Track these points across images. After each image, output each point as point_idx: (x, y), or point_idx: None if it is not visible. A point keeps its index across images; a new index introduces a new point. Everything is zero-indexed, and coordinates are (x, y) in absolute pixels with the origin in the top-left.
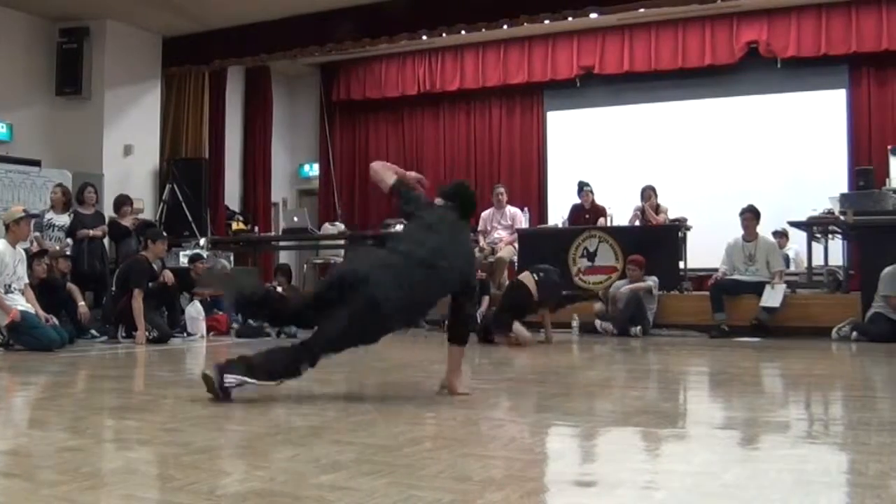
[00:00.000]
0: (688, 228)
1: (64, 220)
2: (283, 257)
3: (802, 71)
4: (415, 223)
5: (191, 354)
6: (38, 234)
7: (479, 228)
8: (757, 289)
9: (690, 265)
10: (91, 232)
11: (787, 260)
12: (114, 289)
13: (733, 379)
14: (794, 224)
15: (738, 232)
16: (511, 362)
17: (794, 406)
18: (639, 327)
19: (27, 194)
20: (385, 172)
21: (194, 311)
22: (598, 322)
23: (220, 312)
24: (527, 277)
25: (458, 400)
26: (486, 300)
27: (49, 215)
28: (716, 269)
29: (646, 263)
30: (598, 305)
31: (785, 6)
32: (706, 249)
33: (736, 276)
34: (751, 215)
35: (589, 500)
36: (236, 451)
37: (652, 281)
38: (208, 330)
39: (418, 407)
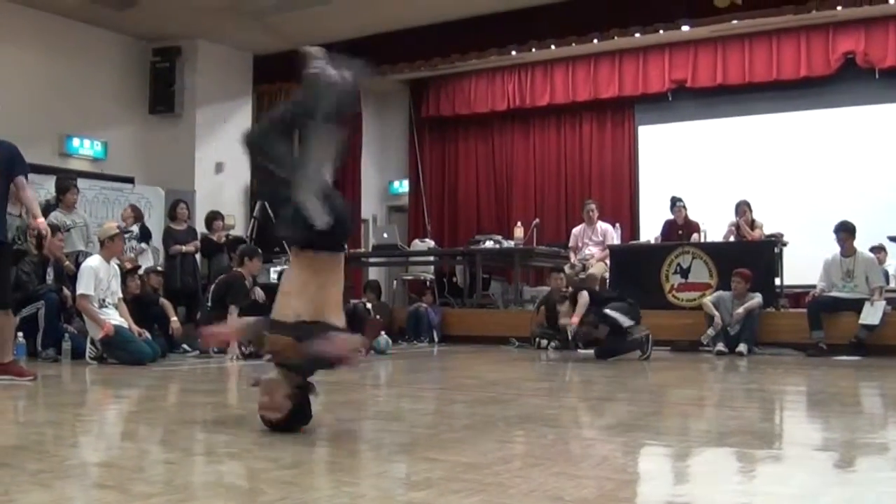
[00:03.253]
0: (784, 244)
1: (133, 229)
2: (373, 273)
3: None
4: None
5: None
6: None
7: (570, 245)
8: (856, 306)
9: (787, 282)
10: (183, 248)
11: (886, 276)
12: (209, 304)
13: (831, 399)
14: (893, 239)
15: (836, 247)
16: (603, 380)
17: (894, 428)
18: (744, 345)
19: (121, 210)
20: None
21: None
22: (704, 338)
23: None
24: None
25: (548, 418)
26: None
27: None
28: (813, 286)
29: (752, 278)
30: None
31: (882, 15)
32: (803, 265)
33: (834, 293)
34: (845, 233)
35: None
36: (326, 466)
37: (758, 298)
38: None
39: (508, 425)
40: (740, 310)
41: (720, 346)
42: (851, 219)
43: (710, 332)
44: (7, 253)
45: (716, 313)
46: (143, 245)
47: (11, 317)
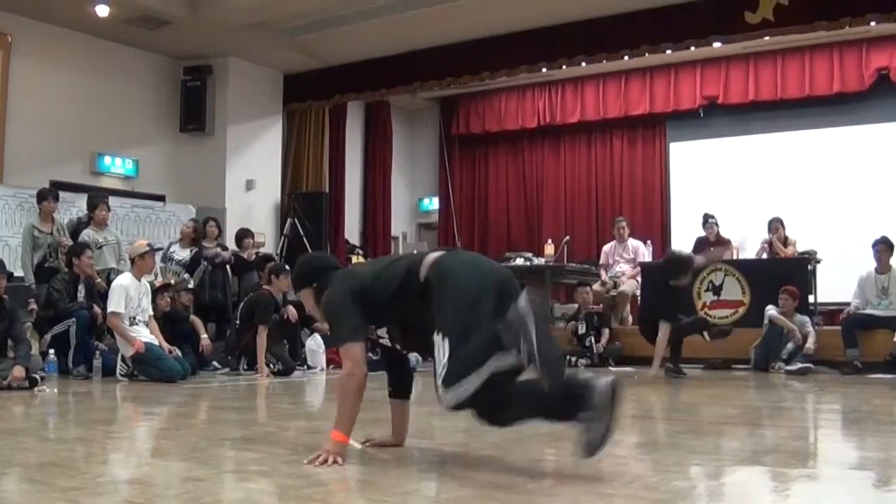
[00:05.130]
0: (818, 261)
1: (185, 255)
2: None
3: None
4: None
5: (311, 387)
6: (161, 264)
7: (601, 262)
8: (891, 323)
9: (821, 299)
10: (218, 249)
11: None
12: (237, 322)
13: (866, 417)
14: None
15: (871, 264)
16: (634, 397)
17: None
18: (779, 363)
19: (152, 228)
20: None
21: (314, 344)
22: (785, 353)
23: None
24: None
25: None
26: (606, 333)
27: (173, 248)
28: (847, 304)
29: (799, 295)
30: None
31: None
32: (837, 283)
33: (869, 311)
34: (884, 247)
35: None
36: (356, 484)
37: (808, 325)
38: (328, 363)
39: (539, 443)
40: (809, 328)
41: (800, 365)
42: (887, 235)
43: (790, 346)
44: None
45: (793, 326)
46: (187, 275)
47: None
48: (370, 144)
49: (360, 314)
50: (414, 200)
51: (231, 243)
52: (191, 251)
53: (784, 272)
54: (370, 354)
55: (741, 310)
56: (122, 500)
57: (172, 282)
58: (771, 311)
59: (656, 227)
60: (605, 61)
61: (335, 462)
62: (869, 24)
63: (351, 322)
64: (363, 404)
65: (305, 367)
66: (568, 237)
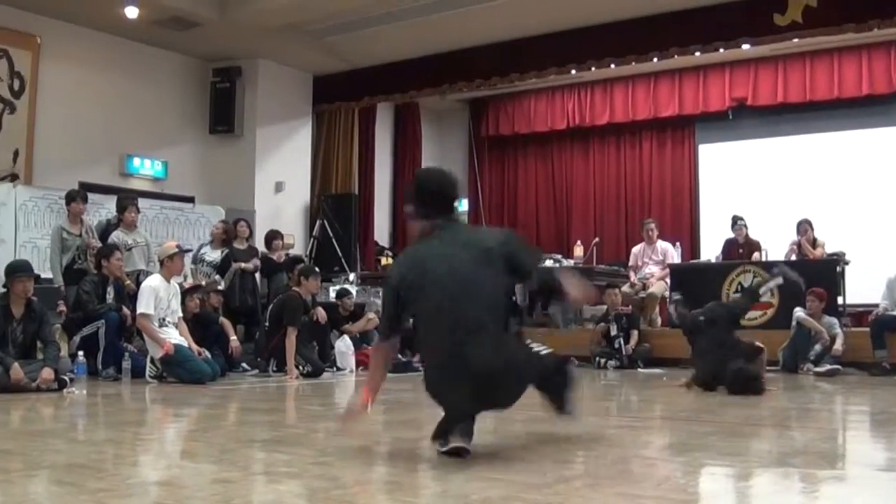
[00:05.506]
0: (846, 263)
1: (216, 256)
2: None
3: None
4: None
5: (340, 389)
6: (192, 266)
7: (630, 264)
8: None
9: (849, 300)
10: (243, 265)
11: None
12: (266, 324)
13: (895, 418)
14: None
15: None
16: (662, 399)
17: None
18: (807, 365)
19: (181, 230)
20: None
21: (344, 345)
22: (812, 354)
23: (369, 347)
24: None
25: (609, 439)
26: (635, 335)
27: (204, 250)
28: (876, 305)
29: (826, 297)
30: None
31: None
32: (866, 284)
33: None
34: None
35: None
36: (385, 486)
37: (836, 327)
38: (357, 364)
39: (569, 444)
40: (838, 330)
41: (828, 366)
42: None
43: (818, 347)
44: None
45: (820, 328)
46: (217, 277)
47: None
48: (399, 146)
49: None
50: None
51: (260, 245)
52: (222, 252)
53: (813, 274)
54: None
55: (770, 311)
56: (151, 502)
57: (203, 283)
58: (799, 312)
59: (685, 228)
60: (634, 63)
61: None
62: None
63: None
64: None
65: (335, 368)
66: (597, 239)
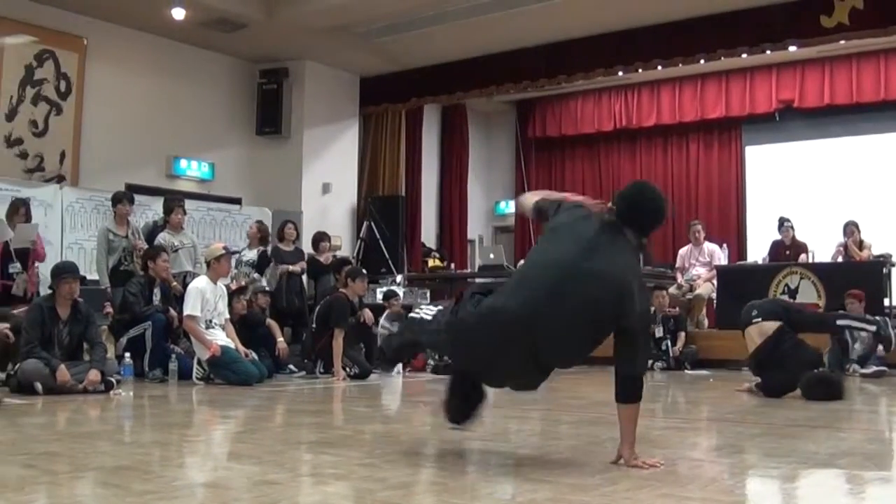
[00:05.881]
0: (893, 264)
1: (252, 255)
2: None
3: None
4: (548, 236)
5: (388, 390)
6: (235, 270)
7: (677, 265)
8: None
9: None
10: (291, 267)
11: None
12: (313, 325)
13: None
14: None
15: None
16: (709, 401)
17: None
18: (853, 366)
19: (228, 231)
20: (529, 198)
21: None
22: (853, 353)
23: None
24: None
25: (656, 440)
26: (682, 337)
27: (242, 251)
28: None
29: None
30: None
31: None
32: None
33: None
34: None
35: None
36: (431, 487)
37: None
38: (405, 366)
39: (615, 445)
40: (865, 335)
41: (874, 368)
42: None
43: (858, 347)
44: None
45: (865, 325)
46: (257, 275)
47: None
48: (446, 147)
49: None
50: (490, 204)
51: (307, 247)
52: (257, 251)
53: (859, 275)
54: None
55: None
56: None
57: (244, 283)
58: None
59: (732, 230)
60: (681, 65)
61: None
62: None
63: None
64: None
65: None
66: (644, 240)
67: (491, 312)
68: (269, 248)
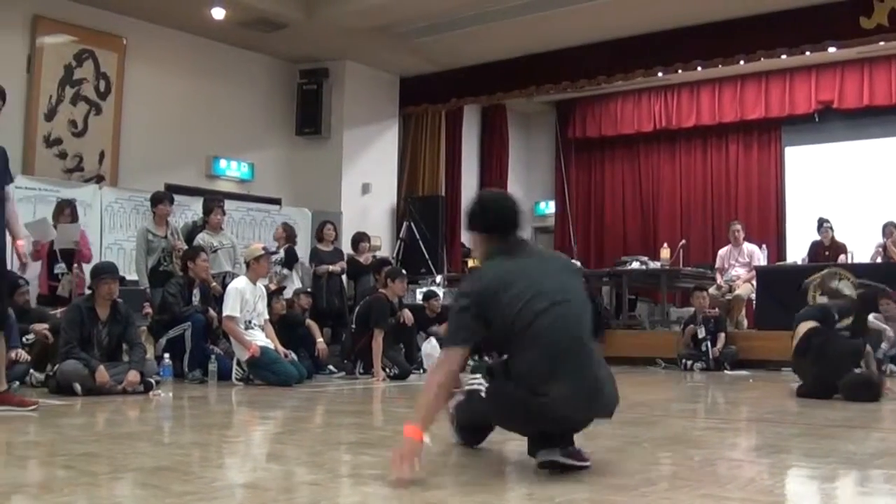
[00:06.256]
0: None
1: (279, 254)
2: None
3: None
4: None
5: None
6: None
7: (717, 266)
8: None
9: None
10: (330, 267)
11: None
12: (353, 326)
13: None
14: None
15: None
16: (749, 402)
17: None
18: (890, 366)
19: (267, 232)
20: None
21: (430, 347)
22: (880, 352)
23: None
24: None
25: (696, 440)
26: (721, 337)
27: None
28: None
29: None
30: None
31: None
32: None
33: None
34: None
35: None
36: (472, 488)
37: None
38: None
39: (654, 446)
40: (891, 333)
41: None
42: None
43: (885, 346)
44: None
45: (885, 327)
46: (286, 271)
47: (3, 343)
48: (486, 147)
49: None
50: (530, 204)
51: (347, 247)
52: (284, 248)
53: None
54: None
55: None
56: None
57: (275, 281)
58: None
59: (771, 230)
60: (720, 66)
61: (408, 465)
62: None
63: None
64: None
65: (421, 371)
66: (684, 241)
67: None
68: (302, 247)
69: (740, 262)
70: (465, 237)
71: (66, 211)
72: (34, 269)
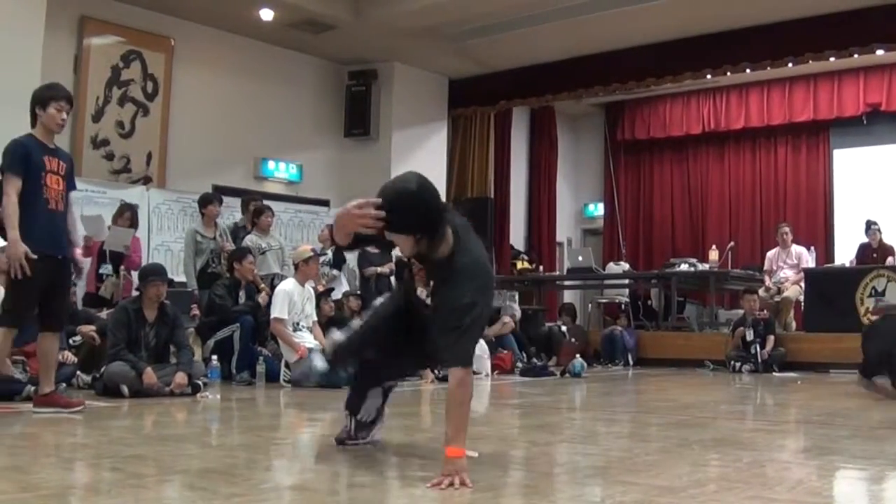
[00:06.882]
0: None
1: (328, 253)
2: (568, 296)
3: None
4: None
5: (475, 393)
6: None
7: (765, 268)
8: None
9: None
10: (379, 269)
11: None
12: None
13: None
14: None
15: None
16: (797, 403)
17: None
18: None
19: (315, 234)
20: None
21: (479, 349)
22: None
23: (505, 351)
24: None
25: (745, 442)
26: (771, 339)
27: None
28: None
29: None
30: None
31: None
32: None
33: None
34: None
35: None
36: (519, 489)
37: None
38: (493, 368)
39: (703, 448)
40: None
41: None
42: None
43: None
44: (67, 270)
45: None
46: (335, 272)
47: (58, 342)
48: (535, 150)
49: None
50: (579, 206)
51: (396, 249)
52: (330, 250)
53: None
54: None
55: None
56: None
57: (324, 282)
58: None
59: (819, 233)
60: (769, 68)
61: (463, 484)
62: None
63: None
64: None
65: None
66: (732, 243)
67: None
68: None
69: (788, 264)
70: (514, 238)
71: (125, 214)
72: (85, 268)
